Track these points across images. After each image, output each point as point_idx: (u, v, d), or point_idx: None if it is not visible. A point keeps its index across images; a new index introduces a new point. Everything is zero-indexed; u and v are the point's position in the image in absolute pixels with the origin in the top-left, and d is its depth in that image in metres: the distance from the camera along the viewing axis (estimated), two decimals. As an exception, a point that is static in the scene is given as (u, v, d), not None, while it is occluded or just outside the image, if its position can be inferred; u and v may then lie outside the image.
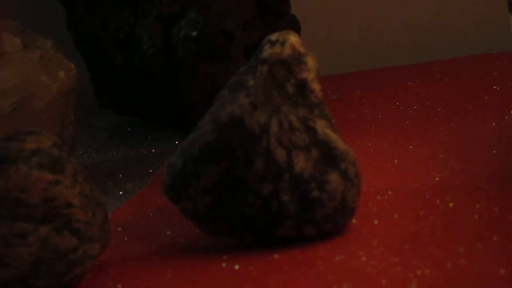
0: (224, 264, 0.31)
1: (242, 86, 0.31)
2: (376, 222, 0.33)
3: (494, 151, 0.39)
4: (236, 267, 0.31)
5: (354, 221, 0.33)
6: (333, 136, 0.31)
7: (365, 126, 0.46)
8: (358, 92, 0.53)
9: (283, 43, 0.32)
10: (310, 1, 0.64)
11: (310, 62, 0.32)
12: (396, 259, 0.29)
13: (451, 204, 0.33)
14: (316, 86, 0.32)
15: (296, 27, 0.51)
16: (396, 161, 0.40)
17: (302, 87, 0.32)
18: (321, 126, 0.31)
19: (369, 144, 0.43)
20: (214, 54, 0.47)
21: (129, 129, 0.53)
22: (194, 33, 0.47)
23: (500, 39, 0.62)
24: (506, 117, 0.43)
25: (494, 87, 0.49)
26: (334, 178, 0.31)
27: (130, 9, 0.49)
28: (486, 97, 0.47)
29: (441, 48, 0.65)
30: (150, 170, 0.45)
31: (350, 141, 0.44)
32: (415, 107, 0.48)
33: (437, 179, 0.36)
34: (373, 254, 0.30)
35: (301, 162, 0.31)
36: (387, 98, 0.51)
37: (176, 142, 0.48)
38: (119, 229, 0.36)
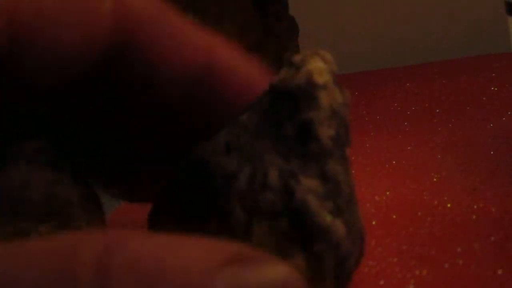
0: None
1: (235, 119, 0.25)
2: (374, 222, 0.33)
3: (492, 152, 0.39)
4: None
5: (352, 222, 0.33)
6: (314, 206, 0.23)
7: (363, 127, 0.46)
8: (356, 93, 0.53)
9: (298, 68, 0.24)
10: (308, 2, 0.64)
11: (324, 99, 0.24)
12: (394, 260, 0.29)
13: (449, 205, 0.33)
14: (324, 132, 0.24)
15: (294, 29, 0.51)
16: (394, 161, 0.40)
17: (305, 130, 0.24)
18: (303, 189, 0.23)
19: (367, 145, 0.43)
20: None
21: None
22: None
23: (498, 40, 0.62)
24: (504, 118, 0.43)
25: (492, 88, 0.49)
26: (297, 263, 0.22)
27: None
28: (484, 98, 0.47)
29: (439, 49, 0.65)
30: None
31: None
32: (413, 108, 0.48)
33: (435, 179, 0.37)
34: (371, 254, 0.30)
35: (260, 233, 0.23)
36: (385, 99, 0.51)
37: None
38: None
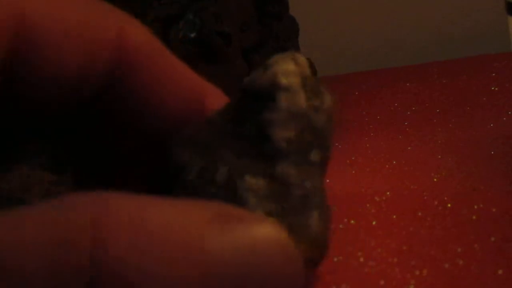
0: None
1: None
2: (374, 223, 0.33)
3: (492, 152, 0.39)
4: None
5: (352, 222, 0.33)
6: (251, 205, 0.22)
7: (363, 127, 0.46)
8: (356, 93, 0.53)
9: (266, 68, 0.24)
10: (308, 2, 0.64)
11: (283, 101, 0.24)
12: (394, 260, 0.29)
13: (449, 205, 0.33)
14: (279, 134, 0.23)
15: (294, 29, 0.51)
16: (394, 162, 0.40)
17: (261, 131, 0.24)
18: (245, 187, 0.23)
19: (367, 145, 0.43)
20: (212, 55, 0.47)
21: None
22: (192, 35, 0.47)
23: (498, 40, 0.62)
24: (504, 118, 0.43)
25: (492, 88, 0.49)
26: None
27: (128, 11, 0.49)
28: (484, 98, 0.47)
29: (440, 49, 0.65)
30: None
31: (348, 142, 0.44)
32: (413, 108, 0.48)
33: (435, 180, 0.37)
34: (372, 254, 0.30)
35: None
36: (385, 99, 0.51)
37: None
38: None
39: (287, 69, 0.24)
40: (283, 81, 0.24)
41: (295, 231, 0.23)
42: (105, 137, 0.25)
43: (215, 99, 0.26)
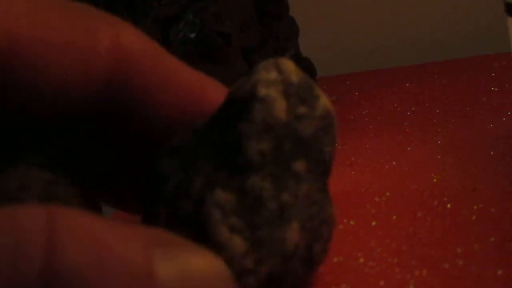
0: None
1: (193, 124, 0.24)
2: (374, 223, 0.33)
3: (492, 152, 0.39)
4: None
5: (352, 222, 0.33)
6: (214, 220, 0.22)
7: (363, 127, 0.46)
8: (356, 93, 0.53)
9: (250, 76, 0.23)
10: (308, 2, 0.64)
11: (258, 112, 0.22)
12: (394, 260, 0.29)
13: (448, 205, 0.33)
14: (251, 146, 0.22)
15: (294, 29, 0.51)
16: (394, 162, 0.40)
17: (236, 143, 0.22)
18: (212, 202, 0.22)
19: (367, 145, 0.43)
20: (212, 55, 0.47)
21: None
22: (192, 35, 0.47)
23: (498, 40, 0.62)
24: (504, 118, 0.43)
25: (492, 88, 0.49)
26: None
27: (127, 11, 0.49)
28: (484, 98, 0.47)
29: (440, 49, 0.65)
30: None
31: (348, 142, 0.44)
32: (413, 109, 0.48)
33: (435, 180, 0.37)
34: (371, 255, 0.30)
35: None
36: (385, 99, 0.51)
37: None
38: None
39: (267, 78, 0.23)
40: (262, 91, 0.22)
41: (264, 246, 0.22)
42: (105, 138, 0.25)
43: (216, 93, 0.26)
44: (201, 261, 0.19)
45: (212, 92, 0.25)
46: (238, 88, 0.23)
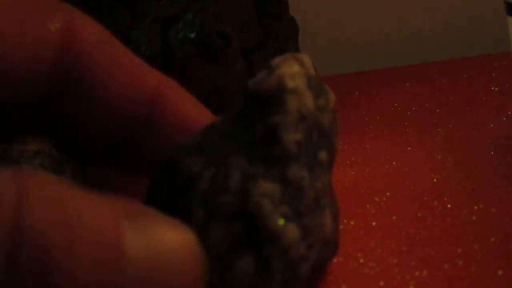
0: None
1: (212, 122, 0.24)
2: (374, 223, 0.33)
3: (492, 152, 0.39)
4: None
5: (352, 222, 0.33)
6: (266, 210, 0.22)
7: (363, 127, 0.46)
8: (356, 93, 0.53)
9: (271, 71, 0.24)
10: (308, 2, 0.64)
11: (292, 103, 0.23)
12: (394, 261, 0.29)
13: (449, 206, 0.33)
14: (288, 136, 0.23)
15: (294, 29, 0.51)
16: (394, 162, 0.40)
17: (270, 134, 0.23)
18: (259, 193, 0.22)
19: (367, 145, 0.43)
20: (212, 55, 0.47)
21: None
22: (192, 35, 0.47)
23: (498, 40, 0.62)
24: (504, 118, 0.43)
25: (492, 88, 0.49)
26: (242, 264, 0.22)
27: (127, 11, 0.49)
28: (484, 98, 0.47)
29: (439, 49, 0.65)
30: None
31: (348, 142, 0.44)
32: (413, 108, 0.48)
33: (435, 180, 0.37)
34: (371, 255, 0.30)
35: (216, 234, 0.22)
36: (385, 99, 0.51)
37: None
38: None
39: (292, 71, 0.23)
40: (290, 83, 0.23)
41: (311, 232, 0.23)
42: (74, 129, 0.25)
43: (169, 88, 0.27)
44: (172, 234, 0.19)
45: (165, 84, 0.26)
46: (258, 84, 0.24)
